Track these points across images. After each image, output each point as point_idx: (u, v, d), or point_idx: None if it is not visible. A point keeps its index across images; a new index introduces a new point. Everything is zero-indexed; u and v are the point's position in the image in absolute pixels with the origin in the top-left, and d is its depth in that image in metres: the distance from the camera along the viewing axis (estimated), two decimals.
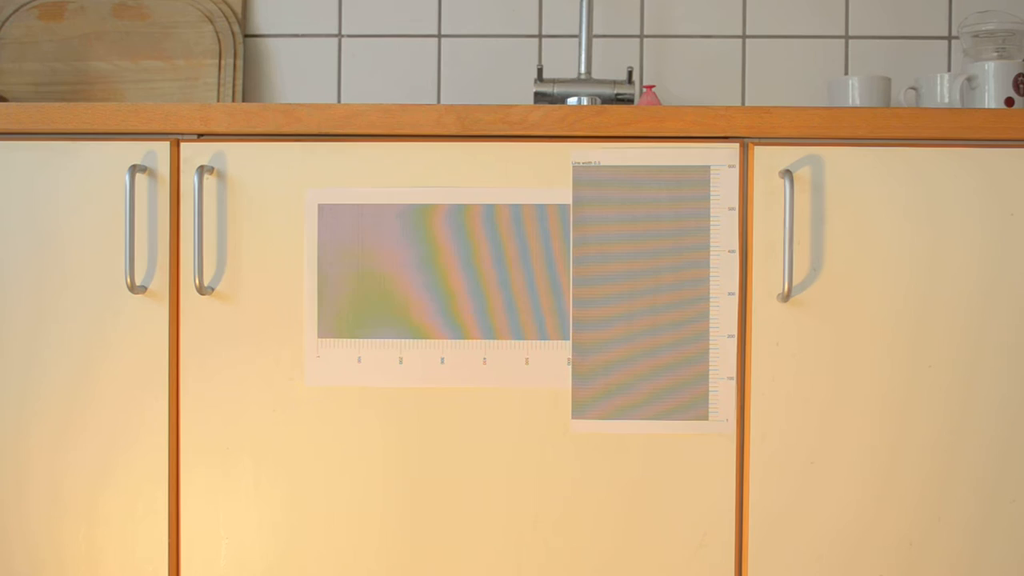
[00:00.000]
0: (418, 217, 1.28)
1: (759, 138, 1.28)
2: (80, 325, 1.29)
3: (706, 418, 1.28)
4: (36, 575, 1.30)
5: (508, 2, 1.83)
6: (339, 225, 1.28)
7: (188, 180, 1.28)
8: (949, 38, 1.81)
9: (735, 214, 1.27)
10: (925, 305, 1.27)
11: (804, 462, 1.28)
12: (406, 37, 1.84)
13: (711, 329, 1.27)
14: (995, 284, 1.27)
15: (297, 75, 1.84)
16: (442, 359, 1.28)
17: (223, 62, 1.77)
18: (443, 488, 1.29)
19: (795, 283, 1.27)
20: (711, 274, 1.27)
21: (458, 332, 1.28)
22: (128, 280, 1.26)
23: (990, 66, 1.61)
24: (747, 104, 1.83)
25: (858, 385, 1.27)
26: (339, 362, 1.28)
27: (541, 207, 1.27)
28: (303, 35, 1.84)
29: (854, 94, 1.67)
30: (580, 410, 1.28)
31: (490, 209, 1.28)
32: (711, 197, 1.27)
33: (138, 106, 1.28)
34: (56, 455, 1.30)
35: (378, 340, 1.28)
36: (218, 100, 1.76)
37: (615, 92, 1.70)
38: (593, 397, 1.28)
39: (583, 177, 1.28)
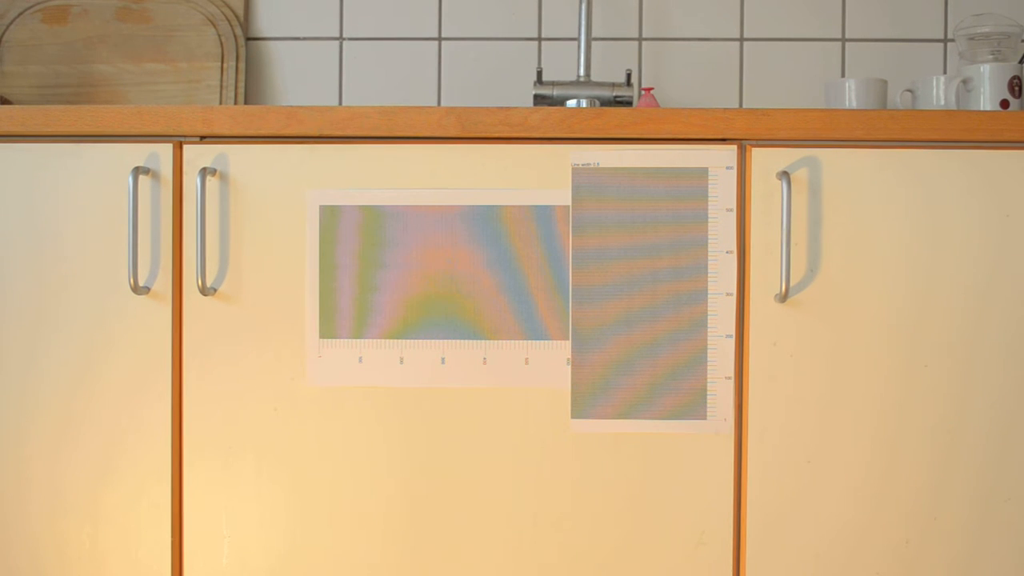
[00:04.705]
0: (418, 218, 1.29)
1: (757, 140, 1.29)
2: (82, 325, 1.30)
3: (704, 417, 1.28)
4: (39, 573, 1.31)
5: (508, 5, 1.84)
6: (340, 226, 1.29)
7: (191, 182, 1.29)
8: (945, 41, 1.82)
9: (733, 215, 1.28)
10: (921, 305, 1.28)
11: (802, 461, 1.28)
12: (407, 40, 1.85)
13: (709, 329, 1.28)
14: (991, 284, 1.27)
15: (299, 77, 1.85)
16: (442, 359, 1.29)
17: (225, 65, 1.78)
18: (443, 487, 1.30)
19: (792, 284, 1.28)
20: (709, 275, 1.28)
21: (458, 332, 1.29)
22: (131, 281, 1.26)
23: (985, 68, 1.62)
24: (745, 106, 1.84)
25: (855, 385, 1.28)
26: (340, 362, 1.29)
27: (541, 208, 1.28)
28: (305, 38, 1.85)
29: (851, 96, 1.67)
30: (579, 410, 1.29)
31: (490, 210, 1.28)
32: (709, 198, 1.28)
33: (141, 108, 1.29)
34: (58, 454, 1.30)
35: (379, 340, 1.29)
36: (220, 102, 1.77)
37: (614, 94, 1.71)
38: (592, 397, 1.29)
39: (582, 178, 1.28)
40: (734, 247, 1.28)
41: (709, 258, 1.28)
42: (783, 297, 1.25)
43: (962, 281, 1.27)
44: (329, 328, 1.29)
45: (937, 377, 1.28)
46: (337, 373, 1.29)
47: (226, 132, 1.28)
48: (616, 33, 1.84)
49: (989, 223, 1.27)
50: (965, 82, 1.63)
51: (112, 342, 1.30)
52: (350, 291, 1.29)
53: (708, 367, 1.28)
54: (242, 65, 1.79)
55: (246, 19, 1.84)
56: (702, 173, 1.28)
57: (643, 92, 1.81)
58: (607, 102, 1.71)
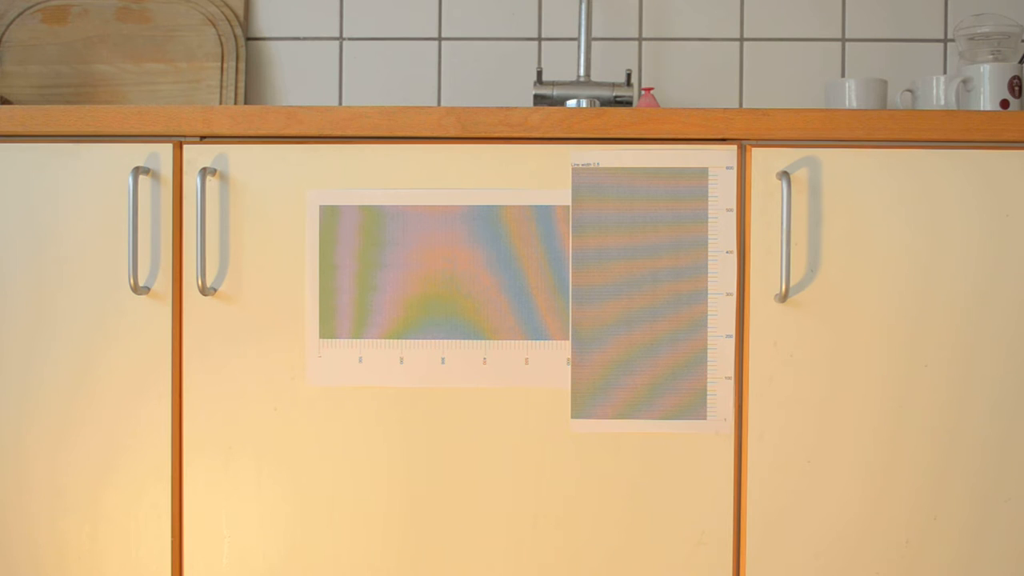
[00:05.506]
0: (418, 218, 1.29)
1: (757, 140, 1.29)
2: (82, 325, 1.30)
3: (704, 417, 1.28)
4: (38, 573, 1.31)
5: (508, 5, 1.84)
6: (340, 226, 1.29)
7: (191, 182, 1.29)
8: (945, 41, 1.82)
9: (733, 215, 1.28)
10: (921, 305, 1.28)
11: (802, 461, 1.28)
12: (407, 40, 1.85)
13: (709, 329, 1.28)
14: (991, 284, 1.28)
15: (299, 78, 1.85)
16: (443, 359, 1.29)
17: (225, 65, 1.78)
18: (443, 487, 1.30)
19: (792, 284, 1.28)
20: (709, 275, 1.28)
21: (458, 332, 1.29)
22: (131, 281, 1.26)
23: (985, 68, 1.62)
24: (745, 106, 1.84)
25: (855, 385, 1.28)
26: (340, 362, 1.29)
27: (541, 208, 1.28)
28: (305, 38, 1.85)
29: (851, 96, 1.67)
30: (579, 410, 1.29)
31: (490, 210, 1.28)
32: (709, 198, 1.28)
33: (141, 108, 1.29)
34: (58, 454, 1.30)
35: (379, 340, 1.29)
36: (220, 102, 1.77)
37: (614, 94, 1.71)
38: (592, 397, 1.29)
39: (582, 178, 1.28)
40: (734, 247, 1.28)
41: (709, 258, 1.28)
42: (783, 297, 1.25)
43: (962, 281, 1.27)
44: (329, 328, 1.29)
45: (937, 376, 1.28)
46: (337, 373, 1.29)
47: (226, 132, 1.28)
48: (616, 33, 1.84)
49: (989, 223, 1.27)
50: (965, 82, 1.63)
51: (112, 342, 1.30)
52: (350, 291, 1.29)
53: (708, 367, 1.28)
54: (242, 65, 1.79)
55: (246, 19, 1.84)
56: (702, 173, 1.28)
57: (643, 92, 1.81)
58: (607, 102, 1.71)
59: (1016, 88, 1.62)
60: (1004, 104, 1.62)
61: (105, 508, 1.30)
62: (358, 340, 1.29)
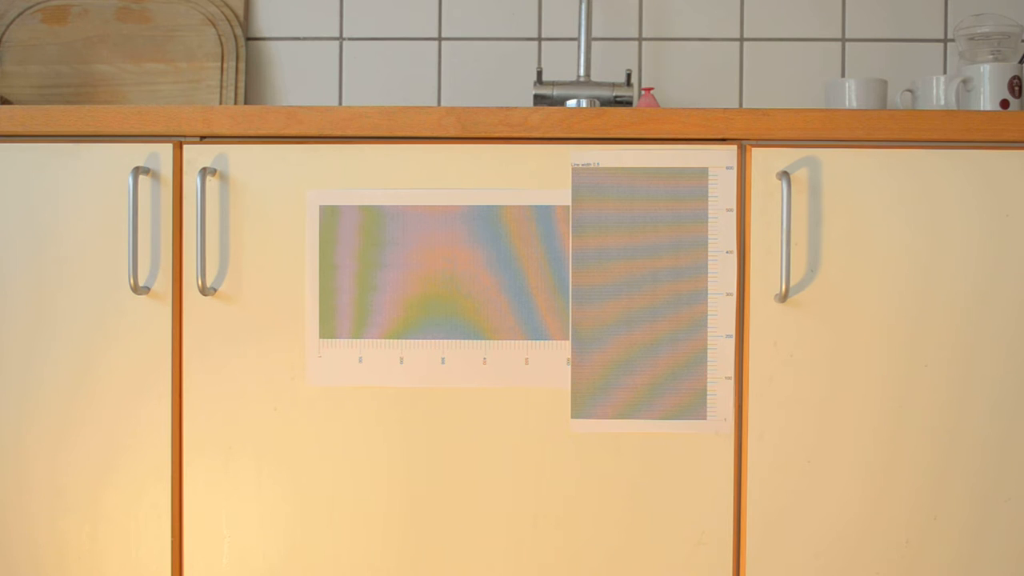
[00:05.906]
0: (418, 218, 1.29)
1: (757, 140, 1.29)
2: (82, 325, 1.30)
3: (704, 418, 1.28)
4: (38, 573, 1.31)
5: (508, 5, 1.84)
6: (340, 226, 1.29)
7: (191, 182, 1.29)
8: (945, 41, 1.82)
9: (733, 215, 1.28)
10: (921, 305, 1.28)
11: (802, 461, 1.28)
12: (407, 40, 1.85)
13: (709, 329, 1.28)
14: (991, 284, 1.28)
15: (299, 78, 1.85)
16: (442, 359, 1.29)
17: (225, 65, 1.78)
18: (443, 487, 1.30)
19: (792, 284, 1.28)
20: (709, 275, 1.28)
21: (458, 332, 1.29)
22: (131, 281, 1.26)
23: (985, 68, 1.62)
24: (745, 106, 1.84)
25: (855, 385, 1.28)
26: (340, 362, 1.29)
27: (541, 208, 1.28)
28: (305, 38, 1.85)
29: (851, 96, 1.67)
30: (579, 410, 1.29)
31: (490, 210, 1.28)
32: (709, 198, 1.28)
33: (141, 108, 1.29)
34: (58, 453, 1.30)
35: (379, 340, 1.29)
36: (220, 102, 1.77)
37: (614, 94, 1.71)
38: (592, 397, 1.29)
39: (582, 178, 1.28)
40: (734, 247, 1.28)
41: (709, 258, 1.28)
42: (783, 297, 1.25)
43: (962, 281, 1.27)
44: (329, 328, 1.29)
45: (937, 376, 1.28)
46: (337, 373, 1.29)
47: (226, 132, 1.28)
48: (616, 33, 1.84)
49: (989, 223, 1.27)
50: (965, 82, 1.63)
51: (112, 342, 1.30)
52: (350, 291, 1.29)
53: (708, 367, 1.28)
54: (242, 65, 1.79)
55: (246, 19, 1.84)
56: (702, 173, 1.28)
57: (643, 92, 1.81)
58: (607, 102, 1.71)
59: (1016, 88, 1.62)
60: (1004, 104, 1.62)
61: (105, 508, 1.30)
62: (358, 340, 1.29)
